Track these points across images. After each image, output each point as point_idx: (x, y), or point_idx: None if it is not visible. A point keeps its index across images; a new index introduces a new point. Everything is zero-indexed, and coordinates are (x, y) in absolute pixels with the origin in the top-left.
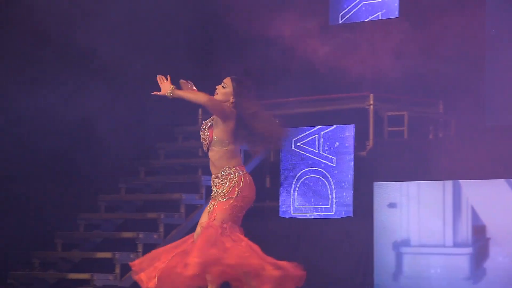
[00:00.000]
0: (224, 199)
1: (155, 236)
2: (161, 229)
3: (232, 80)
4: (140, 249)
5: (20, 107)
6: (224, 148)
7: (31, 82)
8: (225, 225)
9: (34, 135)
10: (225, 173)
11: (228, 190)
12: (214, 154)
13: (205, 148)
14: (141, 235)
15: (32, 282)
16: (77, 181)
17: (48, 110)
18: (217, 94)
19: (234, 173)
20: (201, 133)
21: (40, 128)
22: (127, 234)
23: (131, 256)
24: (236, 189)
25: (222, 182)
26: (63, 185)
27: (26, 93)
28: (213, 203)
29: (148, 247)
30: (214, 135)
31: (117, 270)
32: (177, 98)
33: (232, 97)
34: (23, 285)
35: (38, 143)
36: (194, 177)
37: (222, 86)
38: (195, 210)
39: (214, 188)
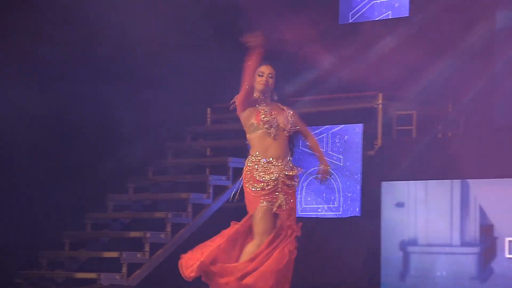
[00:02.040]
0: (295, 186)
1: (162, 236)
2: (169, 229)
3: (273, 69)
4: (147, 248)
5: (29, 108)
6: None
7: (40, 81)
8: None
9: (42, 134)
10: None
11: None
12: (284, 140)
13: (286, 134)
14: (148, 235)
15: (40, 281)
16: (85, 181)
17: (55, 110)
18: (269, 85)
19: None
20: (267, 118)
21: (48, 128)
22: (135, 234)
23: (138, 255)
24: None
25: (292, 165)
26: (71, 184)
27: (37, 93)
28: (282, 196)
29: (155, 247)
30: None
31: (124, 270)
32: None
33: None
34: (31, 284)
35: (46, 143)
36: (202, 177)
37: (270, 77)
38: (202, 210)
39: (287, 173)
